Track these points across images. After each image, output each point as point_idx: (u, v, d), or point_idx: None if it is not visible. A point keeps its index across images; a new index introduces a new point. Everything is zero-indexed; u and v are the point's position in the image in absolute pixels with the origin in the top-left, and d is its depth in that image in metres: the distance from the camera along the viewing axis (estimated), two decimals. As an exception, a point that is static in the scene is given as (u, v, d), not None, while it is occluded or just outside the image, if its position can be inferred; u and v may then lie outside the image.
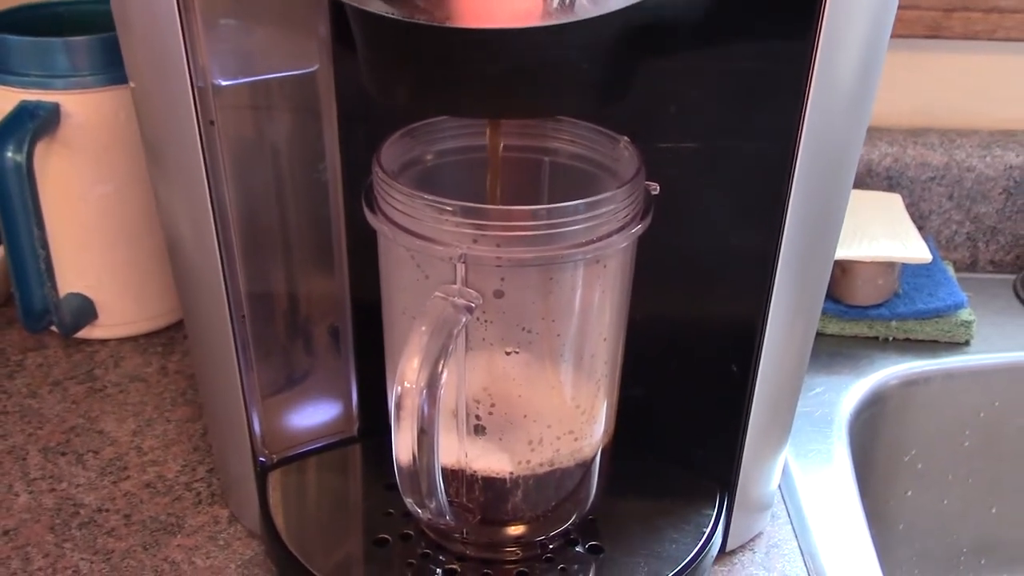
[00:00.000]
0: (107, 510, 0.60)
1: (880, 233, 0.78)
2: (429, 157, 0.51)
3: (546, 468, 0.50)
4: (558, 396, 0.49)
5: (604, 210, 0.44)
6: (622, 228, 0.45)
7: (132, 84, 0.48)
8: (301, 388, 0.59)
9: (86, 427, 0.67)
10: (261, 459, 0.58)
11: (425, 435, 0.43)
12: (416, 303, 0.46)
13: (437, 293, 0.44)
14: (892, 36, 0.45)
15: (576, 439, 0.50)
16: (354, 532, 0.56)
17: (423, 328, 0.43)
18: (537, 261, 0.44)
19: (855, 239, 0.77)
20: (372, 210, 0.46)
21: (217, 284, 0.51)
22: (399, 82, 0.45)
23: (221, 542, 0.58)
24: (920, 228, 0.86)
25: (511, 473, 0.49)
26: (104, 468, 0.64)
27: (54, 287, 0.71)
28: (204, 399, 0.59)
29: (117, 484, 0.62)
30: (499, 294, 0.45)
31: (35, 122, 0.66)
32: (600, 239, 0.45)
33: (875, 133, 0.87)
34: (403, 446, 0.43)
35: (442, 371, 0.42)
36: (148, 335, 0.77)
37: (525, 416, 0.48)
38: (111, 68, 0.68)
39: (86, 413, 0.69)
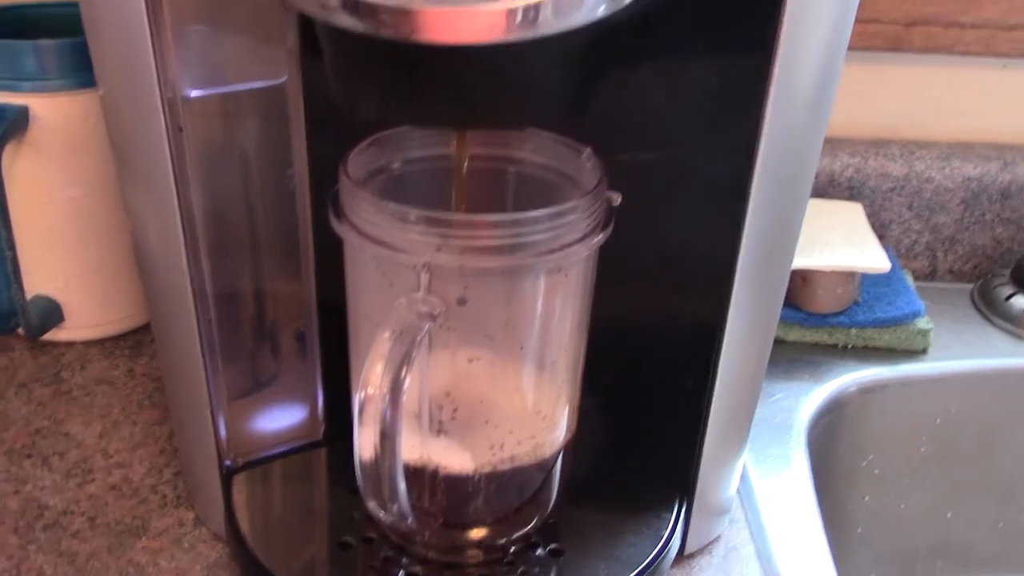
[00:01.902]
0: (72, 512, 0.60)
1: (840, 242, 0.79)
2: (396, 165, 0.51)
3: (507, 465, 0.51)
4: (520, 402, 0.50)
5: (566, 220, 0.45)
6: (584, 238, 0.46)
7: (101, 91, 0.48)
8: (267, 392, 0.60)
9: (52, 429, 0.67)
10: (226, 462, 0.58)
11: (388, 440, 0.43)
12: (380, 310, 0.47)
13: (401, 300, 0.45)
14: (854, 49, 0.46)
15: (538, 444, 0.51)
16: (318, 536, 0.56)
17: (387, 335, 0.43)
18: (500, 270, 0.45)
19: (816, 248, 0.78)
20: (338, 218, 0.47)
21: (184, 288, 0.51)
22: (366, 95, 0.45)
23: (186, 545, 0.58)
24: (881, 237, 0.87)
25: (473, 471, 0.50)
26: (69, 470, 0.64)
27: (21, 289, 0.71)
28: (170, 402, 0.60)
29: (82, 487, 0.62)
30: (462, 302, 0.46)
31: (2, 124, 0.66)
32: (562, 248, 0.45)
33: (837, 144, 0.89)
34: (366, 451, 0.44)
35: (405, 377, 0.43)
36: (115, 338, 0.77)
37: (487, 422, 0.49)
38: (80, 72, 0.68)
39: (52, 415, 0.69)
